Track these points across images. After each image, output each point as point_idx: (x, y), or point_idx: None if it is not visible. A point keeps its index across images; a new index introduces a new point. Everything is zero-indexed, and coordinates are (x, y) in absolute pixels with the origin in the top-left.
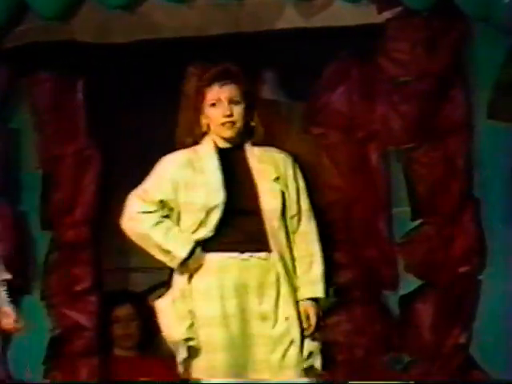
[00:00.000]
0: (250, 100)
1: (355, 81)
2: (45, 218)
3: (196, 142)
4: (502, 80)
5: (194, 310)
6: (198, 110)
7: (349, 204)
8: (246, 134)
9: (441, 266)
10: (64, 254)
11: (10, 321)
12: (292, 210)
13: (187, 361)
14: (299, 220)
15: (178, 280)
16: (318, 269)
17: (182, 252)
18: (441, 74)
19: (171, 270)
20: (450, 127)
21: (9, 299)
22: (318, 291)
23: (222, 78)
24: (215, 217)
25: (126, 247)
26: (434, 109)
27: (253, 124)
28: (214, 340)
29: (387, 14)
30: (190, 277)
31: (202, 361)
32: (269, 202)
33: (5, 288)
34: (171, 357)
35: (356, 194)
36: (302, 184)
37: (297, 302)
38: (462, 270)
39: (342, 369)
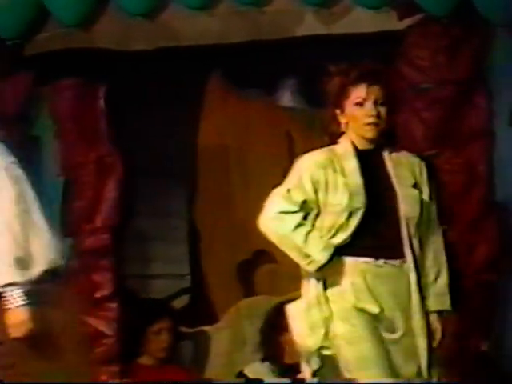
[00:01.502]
0: (391, 103)
1: None
2: (66, 225)
3: (333, 141)
4: None
5: (329, 317)
6: (338, 108)
7: None
8: (383, 138)
9: (463, 273)
10: (84, 261)
11: (18, 327)
12: (425, 217)
13: (320, 371)
14: (429, 228)
15: (313, 286)
16: (444, 280)
17: (322, 257)
18: (462, 80)
19: (192, 277)
20: (471, 134)
21: (23, 302)
22: (445, 303)
23: (370, 77)
24: (355, 220)
25: (146, 254)
26: (455, 115)
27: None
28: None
29: (408, 21)
30: (325, 282)
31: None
32: (408, 208)
33: (20, 290)
34: (190, 364)
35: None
36: (433, 190)
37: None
38: (484, 277)
39: None
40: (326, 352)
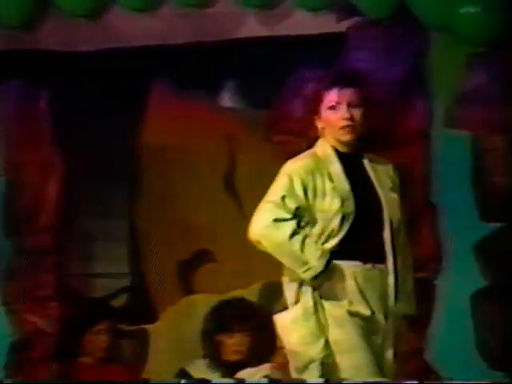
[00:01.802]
0: (368, 105)
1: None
2: (8, 225)
3: (309, 146)
4: (459, 89)
5: (325, 324)
6: (315, 114)
7: None
8: (363, 141)
9: None
10: (27, 260)
11: None
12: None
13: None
14: (399, 231)
15: (309, 294)
16: (411, 284)
17: (320, 264)
18: (400, 82)
19: (133, 276)
20: (408, 135)
21: None
22: (412, 308)
23: (342, 81)
24: (347, 225)
25: (88, 253)
26: (393, 117)
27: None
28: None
29: (347, 23)
30: (318, 289)
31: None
32: (391, 211)
33: None
34: (131, 362)
35: None
36: (399, 195)
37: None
38: (419, 275)
39: None
40: (326, 360)
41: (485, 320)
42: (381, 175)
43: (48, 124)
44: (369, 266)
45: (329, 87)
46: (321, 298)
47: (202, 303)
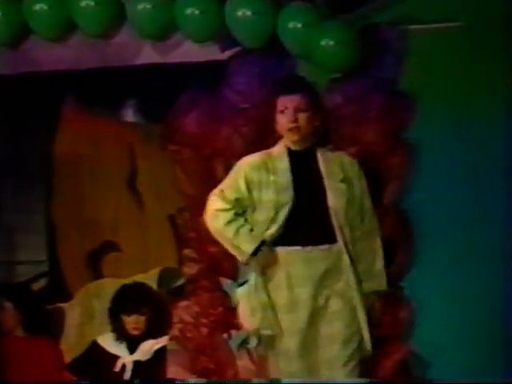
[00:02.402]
0: (316, 108)
1: (204, 108)
2: None
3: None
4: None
5: (265, 302)
6: (272, 118)
7: (198, 208)
8: (316, 139)
9: None
10: None
11: None
12: (356, 208)
13: (259, 348)
14: (363, 218)
15: (252, 275)
16: (380, 263)
17: (249, 248)
18: (273, 101)
19: (50, 263)
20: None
21: None
22: (382, 284)
23: (290, 87)
24: (283, 214)
25: (11, 243)
26: (267, 129)
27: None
28: (286, 328)
29: (229, 53)
30: (263, 271)
31: (278, 344)
32: (335, 200)
33: None
34: (51, 335)
35: (204, 199)
36: (364, 185)
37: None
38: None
39: (190, 343)
40: (264, 332)
41: None
42: (333, 167)
43: None
44: (309, 248)
45: (280, 93)
46: (267, 280)
47: (108, 286)
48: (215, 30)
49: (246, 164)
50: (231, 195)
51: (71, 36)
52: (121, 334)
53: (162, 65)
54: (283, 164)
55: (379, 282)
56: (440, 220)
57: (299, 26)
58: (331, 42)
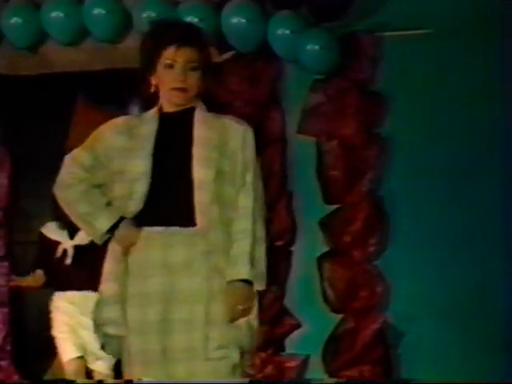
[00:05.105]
0: (206, 66)
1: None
2: None
3: (149, 106)
4: (306, 106)
5: (120, 291)
6: (149, 69)
7: None
8: (198, 98)
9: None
10: None
11: None
12: (233, 182)
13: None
14: (239, 195)
15: (108, 259)
16: (243, 248)
17: (104, 226)
18: (262, 100)
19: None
20: (269, 140)
21: None
22: (240, 273)
23: (182, 38)
24: (141, 187)
25: (28, 224)
26: (257, 126)
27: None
28: (132, 320)
29: (224, 56)
30: (126, 253)
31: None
32: (202, 171)
33: None
34: None
35: None
36: (250, 157)
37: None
38: (277, 243)
39: None
40: (110, 330)
41: (327, 276)
42: (209, 133)
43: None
44: (172, 230)
45: (167, 43)
46: (130, 264)
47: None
48: (212, 36)
49: (109, 127)
50: (87, 161)
51: (84, 41)
52: (62, 222)
53: None
54: (148, 128)
55: (239, 270)
56: (412, 204)
57: (287, 32)
58: (316, 47)
